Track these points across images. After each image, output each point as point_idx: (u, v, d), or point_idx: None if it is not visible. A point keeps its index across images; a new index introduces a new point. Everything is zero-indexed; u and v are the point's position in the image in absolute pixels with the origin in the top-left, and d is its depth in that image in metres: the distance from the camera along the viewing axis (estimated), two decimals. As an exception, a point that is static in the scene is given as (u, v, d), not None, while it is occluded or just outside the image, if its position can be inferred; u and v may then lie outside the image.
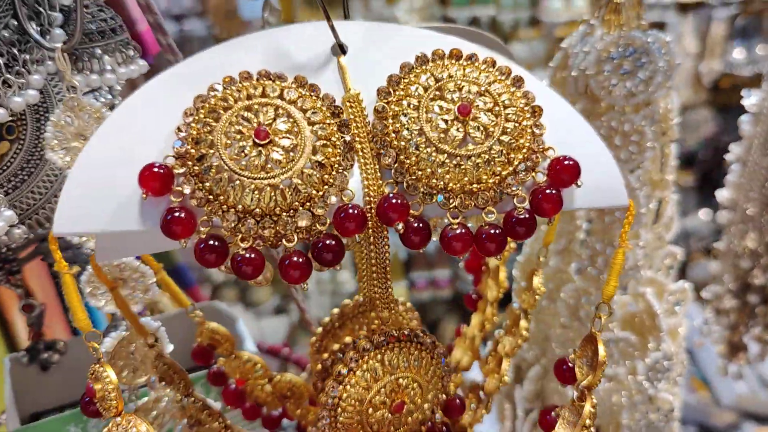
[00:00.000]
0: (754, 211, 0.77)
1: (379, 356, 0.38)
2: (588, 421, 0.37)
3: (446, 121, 0.35)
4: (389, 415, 0.38)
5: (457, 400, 0.44)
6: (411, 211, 0.35)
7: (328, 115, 0.36)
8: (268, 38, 0.38)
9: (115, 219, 0.34)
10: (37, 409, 0.63)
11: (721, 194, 0.79)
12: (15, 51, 0.44)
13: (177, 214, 0.33)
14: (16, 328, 0.78)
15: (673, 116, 0.61)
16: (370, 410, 0.38)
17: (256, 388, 0.53)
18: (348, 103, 0.37)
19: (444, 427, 0.43)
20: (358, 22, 0.39)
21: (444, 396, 0.41)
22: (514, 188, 0.35)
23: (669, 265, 0.68)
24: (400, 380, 0.39)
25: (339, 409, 0.38)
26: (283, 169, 0.34)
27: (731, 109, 2.73)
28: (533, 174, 0.36)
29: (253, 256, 0.33)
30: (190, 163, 0.33)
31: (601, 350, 0.37)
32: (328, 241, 0.34)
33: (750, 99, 0.74)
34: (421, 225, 0.35)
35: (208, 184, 0.33)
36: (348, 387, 0.38)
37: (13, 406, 0.57)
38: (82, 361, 0.61)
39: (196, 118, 0.34)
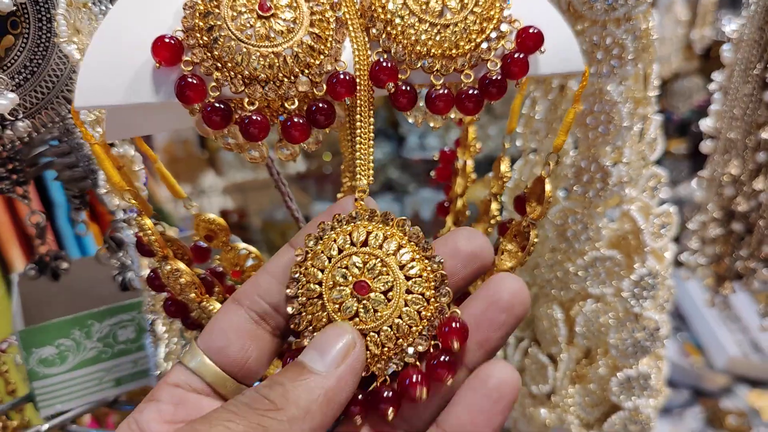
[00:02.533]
0: (737, 137, 0.82)
1: (349, 228, 0.39)
2: (532, 248, 0.44)
3: None
4: (353, 299, 0.38)
5: (455, 323, 0.38)
6: (399, 75, 0.41)
7: None
8: None
9: (131, 91, 0.39)
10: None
11: (705, 123, 0.83)
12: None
13: (189, 80, 0.39)
14: (10, 247, 0.81)
15: (654, 33, 0.65)
16: (331, 285, 0.38)
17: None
18: None
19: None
20: None
21: (439, 311, 0.39)
22: (487, 53, 0.42)
23: (653, 186, 0.72)
24: (368, 260, 0.38)
25: (301, 277, 0.38)
26: (285, 39, 0.40)
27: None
28: (503, 42, 0.42)
29: (259, 118, 0.39)
30: (198, 34, 0.39)
31: (548, 187, 0.44)
32: (321, 104, 0.40)
33: (730, 26, 0.79)
34: (408, 88, 0.41)
35: (216, 52, 0.39)
36: (312, 258, 0.39)
37: (21, 322, 0.61)
38: (85, 278, 0.64)
39: None
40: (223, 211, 1.93)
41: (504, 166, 0.58)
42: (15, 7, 0.47)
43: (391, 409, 0.37)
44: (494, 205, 0.59)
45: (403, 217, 0.41)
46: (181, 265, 0.45)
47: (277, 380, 0.33)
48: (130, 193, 0.42)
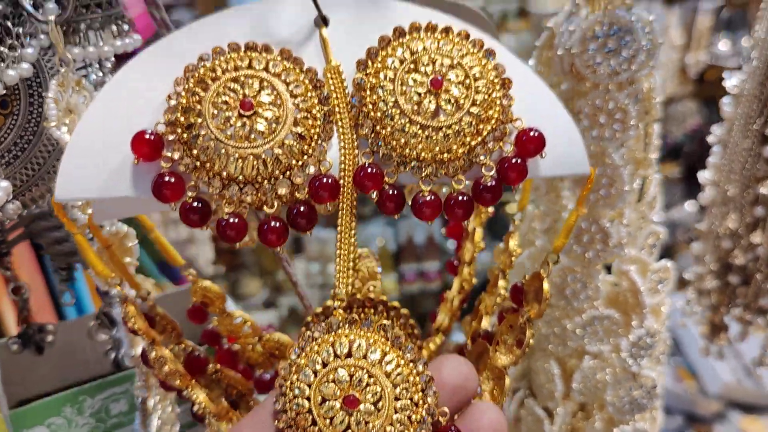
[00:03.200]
0: (735, 191, 0.78)
1: (330, 338, 0.36)
2: (527, 349, 0.41)
3: (419, 94, 0.38)
4: (343, 412, 0.35)
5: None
6: (386, 179, 0.38)
7: (310, 87, 0.38)
8: (255, 10, 0.40)
9: (110, 185, 0.37)
10: (27, 396, 0.62)
11: (703, 175, 0.80)
12: (8, 24, 0.46)
13: (167, 178, 0.36)
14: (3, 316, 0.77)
15: (656, 95, 0.62)
16: (320, 400, 0.35)
17: (248, 349, 0.55)
18: (329, 75, 0.39)
19: None
20: None
21: (430, 419, 0.36)
22: (482, 158, 0.38)
23: (652, 243, 0.69)
24: (354, 372, 0.35)
25: (288, 392, 0.36)
26: (266, 140, 0.36)
27: (717, 100, 2.73)
28: (501, 144, 0.38)
29: (236, 220, 0.36)
30: (179, 130, 0.36)
31: (546, 286, 0.41)
32: (301, 208, 0.37)
33: (731, 80, 0.75)
34: (395, 192, 0.38)
35: (195, 151, 0.36)
36: (297, 372, 0.36)
37: (2, 394, 0.57)
38: (72, 344, 0.61)
39: (186, 87, 0.37)
40: (215, 236, 1.90)
41: (513, 243, 0.54)
42: (5, 91, 0.44)
43: None
44: (501, 283, 0.54)
45: (383, 323, 0.38)
46: (166, 353, 0.42)
47: None
48: (113, 281, 0.41)
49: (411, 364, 0.37)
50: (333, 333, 0.37)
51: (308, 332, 0.37)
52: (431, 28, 0.40)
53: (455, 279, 0.60)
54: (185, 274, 0.53)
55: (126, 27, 0.51)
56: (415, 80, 0.38)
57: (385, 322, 0.38)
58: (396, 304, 0.51)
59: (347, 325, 0.37)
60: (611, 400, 0.68)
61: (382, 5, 0.41)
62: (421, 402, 0.37)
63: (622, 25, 0.57)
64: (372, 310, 0.54)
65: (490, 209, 0.59)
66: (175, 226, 1.46)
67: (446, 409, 0.37)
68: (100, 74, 0.51)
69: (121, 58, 0.53)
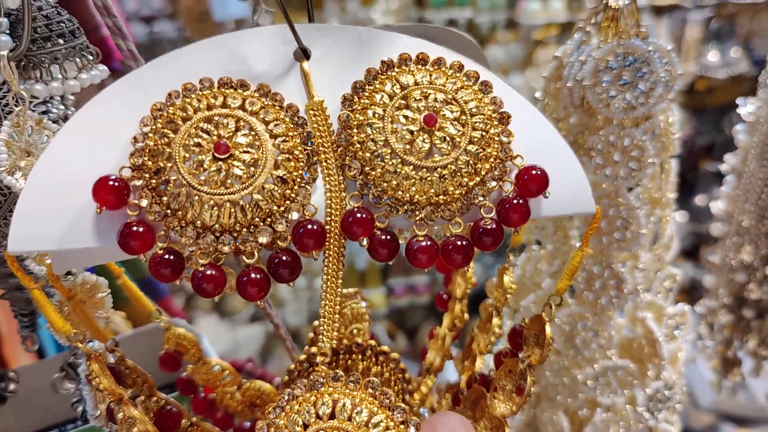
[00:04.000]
0: (750, 223, 0.74)
1: (312, 397, 0.34)
2: (528, 398, 0.39)
3: (412, 132, 0.35)
4: None
5: None
6: (377, 224, 0.35)
7: (291, 126, 0.35)
8: (229, 42, 0.38)
9: (70, 236, 0.34)
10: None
11: (716, 206, 0.75)
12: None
13: (135, 228, 0.33)
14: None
15: (675, 130, 0.57)
16: None
17: (226, 397, 0.52)
18: (311, 112, 0.37)
19: None
20: (321, 24, 0.39)
21: None
22: (481, 198, 0.36)
23: (668, 287, 0.63)
24: None
25: None
26: (244, 185, 0.33)
27: (706, 111, 2.71)
28: (500, 183, 0.36)
29: (213, 272, 0.33)
30: (147, 175, 0.33)
31: (548, 330, 0.39)
32: (284, 257, 0.34)
33: (746, 108, 0.71)
34: (388, 237, 0.35)
35: (165, 198, 0.33)
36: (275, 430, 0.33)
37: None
38: (36, 389, 0.54)
39: (154, 128, 0.34)
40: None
41: (507, 279, 0.51)
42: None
43: None
44: (496, 321, 0.52)
45: (370, 379, 0.35)
46: (134, 413, 0.39)
47: None
48: (75, 337, 0.37)
49: (401, 426, 0.34)
50: (316, 391, 0.34)
51: (288, 389, 0.34)
52: (422, 60, 0.37)
53: (446, 315, 0.57)
54: (157, 321, 0.50)
55: (90, 58, 0.49)
56: (406, 117, 0.35)
57: (373, 379, 0.35)
58: (386, 348, 0.49)
59: (331, 382, 0.34)
60: (626, 456, 0.63)
61: (367, 35, 0.39)
62: None
63: (639, 55, 0.52)
64: (360, 356, 0.52)
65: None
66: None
67: None
68: (62, 107, 0.48)
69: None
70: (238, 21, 2.22)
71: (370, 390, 0.34)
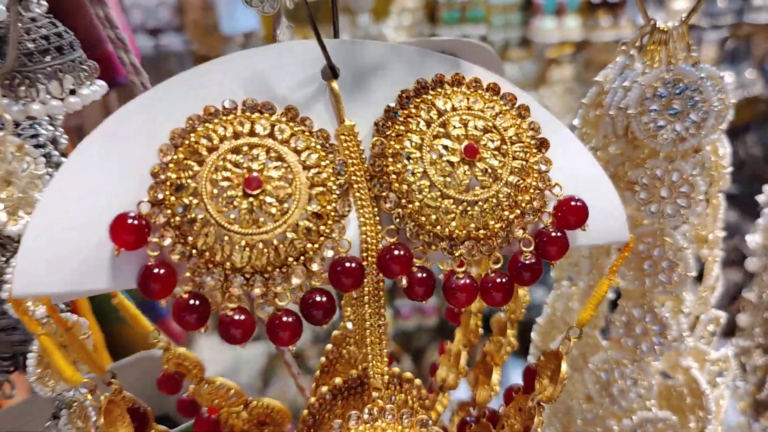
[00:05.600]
0: (789, 257, 0.70)
1: (365, 431, 0.34)
2: None
3: (452, 164, 0.35)
4: None
5: None
6: (414, 260, 0.34)
7: (323, 155, 0.34)
8: (250, 59, 0.36)
9: (83, 279, 0.31)
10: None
11: (753, 239, 0.71)
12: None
13: (156, 270, 0.31)
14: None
15: (726, 163, 0.53)
16: None
17: (231, 416, 0.50)
18: (342, 137, 0.35)
19: None
20: (349, 39, 0.37)
21: None
22: (520, 232, 0.35)
23: (712, 331, 0.60)
24: None
25: None
26: (277, 223, 0.32)
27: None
28: (539, 216, 0.36)
29: (242, 317, 0.32)
30: (169, 211, 0.31)
31: (564, 368, 0.38)
32: (318, 298, 0.33)
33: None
34: (425, 275, 0.34)
35: (191, 238, 0.31)
36: None
37: None
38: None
39: (175, 158, 0.32)
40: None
41: (522, 290, 0.51)
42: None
43: None
44: (510, 332, 0.52)
45: (422, 418, 0.35)
46: None
47: None
48: (88, 385, 0.36)
49: None
50: (371, 426, 0.35)
51: (340, 421, 0.35)
52: (457, 81, 0.37)
53: (458, 330, 0.56)
54: (153, 341, 0.48)
55: (86, 74, 0.46)
56: (446, 147, 0.35)
57: (423, 417, 0.36)
58: (409, 375, 0.48)
59: (385, 417, 0.35)
60: None
61: (396, 51, 0.37)
62: None
63: (690, 82, 0.49)
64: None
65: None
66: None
67: None
68: (51, 129, 0.46)
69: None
70: (246, 35, 2.21)
71: (423, 429, 0.35)
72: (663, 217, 0.51)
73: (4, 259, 0.42)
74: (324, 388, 0.47)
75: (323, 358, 0.52)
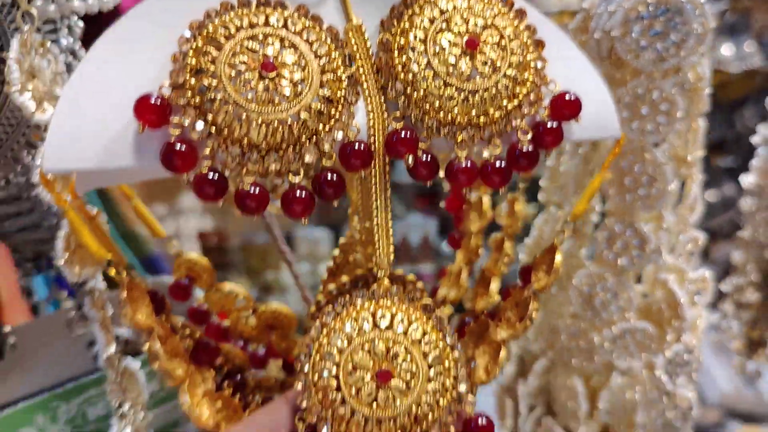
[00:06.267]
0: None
1: (371, 307, 0.37)
2: (529, 323, 0.42)
3: (455, 55, 0.38)
4: (373, 385, 0.36)
5: (482, 420, 0.38)
6: (420, 144, 0.37)
7: (333, 48, 0.37)
8: None
9: (109, 155, 0.34)
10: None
11: (747, 179, 0.75)
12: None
13: (178, 147, 0.34)
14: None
15: (704, 86, 0.57)
16: (350, 368, 0.36)
17: (240, 322, 0.54)
18: (350, 34, 0.39)
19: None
20: None
21: (456, 406, 0.37)
22: (518, 121, 0.38)
23: (690, 251, 0.64)
24: (392, 346, 0.36)
25: (314, 354, 0.36)
26: (291, 103, 0.35)
27: (718, 105, 2.72)
28: (535, 108, 0.39)
29: (257, 191, 0.35)
30: (189, 93, 0.34)
31: (558, 258, 0.42)
32: (329, 176, 0.36)
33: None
34: (429, 158, 0.37)
35: (211, 116, 0.34)
36: (328, 334, 0.37)
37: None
38: (38, 346, 0.55)
39: (194, 46, 0.35)
40: (201, 233, 1.84)
41: (519, 206, 0.56)
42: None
43: None
44: (508, 244, 0.56)
45: (427, 301, 0.39)
46: (159, 350, 0.40)
47: None
48: (110, 263, 0.38)
49: (448, 349, 0.38)
50: (375, 302, 0.37)
51: (347, 296, 0.38)
52: None
53: (459, 252, 0.60)
54: (167, 247, 0.52)
55: None
56: (448, 41, 0.38)
57: (428, 301, 0.39)
58: (413, 277, 0.51)
59: (391, 297, 0.38)
60: (642, 422, 0.65)
61: None
62: (452, 388, 0.38)
63: (671, 5, 0.53)
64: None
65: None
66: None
67: (473, 398, 0.38)
68: (71, 39, 0.48)
69: (90, 22, 0.50)
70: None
71: (426, 311, 0.38)
72: (644, 134, 0.55)
73: (30, 156, 0.46)
74: (331, 285, 0.50)
75: (330, 263, 0.56)
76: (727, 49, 2.60)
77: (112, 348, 0.48)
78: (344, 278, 0.50)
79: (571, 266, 0.67)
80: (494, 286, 0.54)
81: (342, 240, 0.57)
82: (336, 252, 0.56)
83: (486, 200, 0.60)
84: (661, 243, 0.61)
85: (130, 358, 0.52)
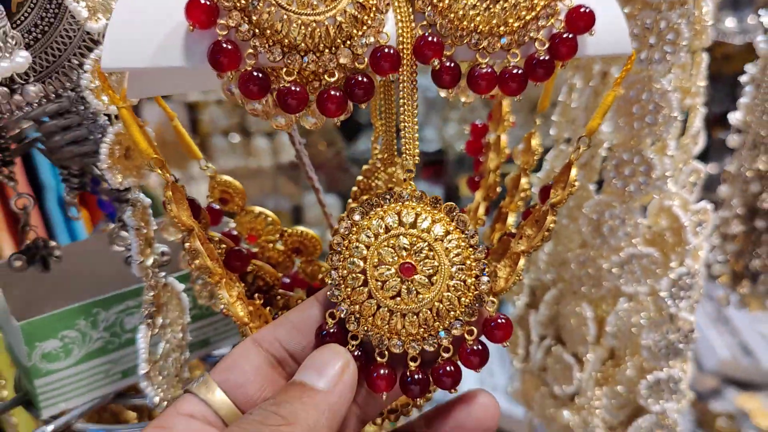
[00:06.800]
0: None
1: (397, 207, 0.40)
2: (546, 233, 0.43)
3: None
4: (397, 278, 0.38)
5: (501, 319, 0.40)
6: (444, 51, 0.40)
7: None
8: None
9: (162, 54, 0.37)
10: (33, 316, 0.60)
11: (734, 116, 0.79)
12: None
13: (224, 45, 0.37)
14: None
15: (708, 19, 0.60)
16: (376, 262, 0.38)
17: (268, 247, 0.57)
18: None
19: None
20: None
21: (477, 305, 0.40)
22: (535, 32, 0.41)
23: (693, 182, 0.68)
24: (415, 241, 0.39)
25: (344, 250, 0.39)
26: (328, 7, 0.38)
27: (722, 77, 2.73)
28: (552, 20, 0.41)
29: (297, 89, 0.38)
30: None
31: (573, 172, 0.43)
32: (360, 78, 0.39)
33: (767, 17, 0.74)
34: (452, 64, 0.40)
35: (255, 17, 0.37)
36: (357, 232, 0.39)
37: (8, 315, 0.54)
38: (78, 266, 0.59)
39: None
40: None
41: (535, 142, 0.58)
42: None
43: (420, 399, 0.40)
44: (524, 180, 0.59)
45: (451, 203, 0.41)
46: (199, 247, 0.43)
47: (282, 399, 0.36)
48: (156, 162, 0.41)
49: (471, 249, 0.40)
50: (401, 203, 0.40)
51: (375, 198, 0.40)
52: None
53: (478, 191, 0.63)
54: (203, 168, 0.54)
55: None
56: None
57: (452, 203, 0.41)
58: (437, 196, 0.55)
59: (415, 199, 0.40)
60: (646, 344, 0.69)
61: None
62: (473, 286, 0.40)
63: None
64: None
65: (512, 119, 0.62)
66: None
67: (495, 300, 0.40)
68: None
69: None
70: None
71: (448, 213, 0.41)
72: (651, 63, 0.59)
73: (82, 69, 0.49)
74: (353, 204, 0.54)
75: (354, 188, 0.60)
76: (730, 22, 2.62)
77: (150, 260, 0.51)
78: (366, 197, 0.54)
79: (581, 198, 0.71)
80: (511, 220, 0.56)
81: (365, 167, 0.61)
82: (359, 177, 0.60)
83: (504, 138, 0.62)
84: (667, 170, 0.64)
85: (174, 278, 0.56)
